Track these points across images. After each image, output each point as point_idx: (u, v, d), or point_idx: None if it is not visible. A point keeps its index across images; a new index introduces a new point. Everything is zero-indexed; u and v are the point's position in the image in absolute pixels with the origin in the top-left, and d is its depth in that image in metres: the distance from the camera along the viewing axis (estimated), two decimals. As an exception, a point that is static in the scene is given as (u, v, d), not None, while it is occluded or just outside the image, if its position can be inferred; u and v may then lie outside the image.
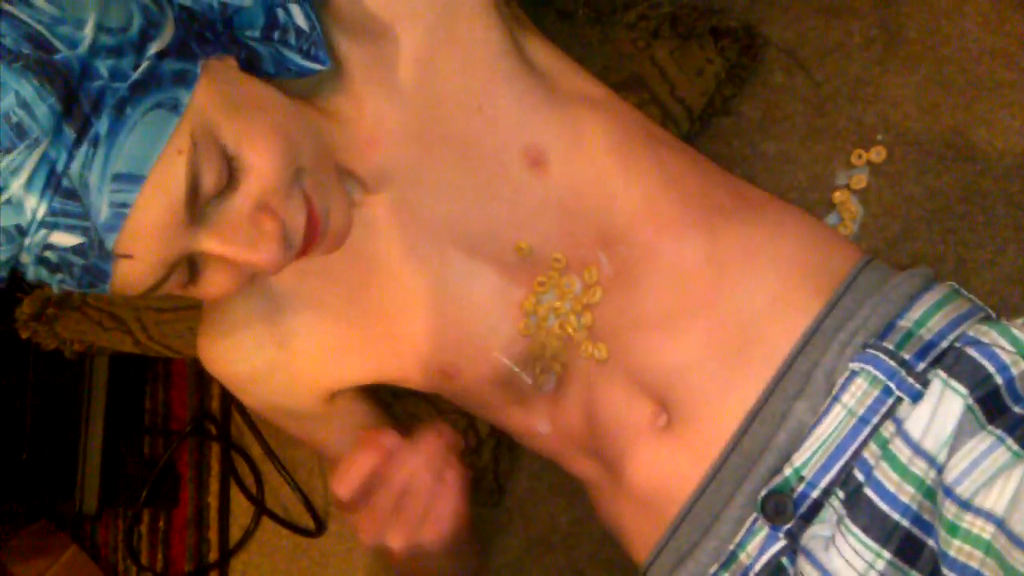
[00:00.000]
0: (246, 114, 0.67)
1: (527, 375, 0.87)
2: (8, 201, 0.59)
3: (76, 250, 0.61)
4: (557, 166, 0.83)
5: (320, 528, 1.30)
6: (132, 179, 0.60)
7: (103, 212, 0.60)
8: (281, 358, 0.88)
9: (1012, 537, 0.66)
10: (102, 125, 0.59)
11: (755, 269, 0.83)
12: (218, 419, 1.38)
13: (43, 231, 0.60)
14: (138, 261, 0.63)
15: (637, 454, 0.84)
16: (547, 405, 0.88)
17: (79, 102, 0.59)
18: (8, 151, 0.58)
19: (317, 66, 0.76)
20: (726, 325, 0.81)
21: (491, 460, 1.15)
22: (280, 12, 0.74)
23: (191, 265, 0.68)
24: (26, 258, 0.62)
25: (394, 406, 1.16)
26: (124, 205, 0.60)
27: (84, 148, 0.59)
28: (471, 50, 0.82)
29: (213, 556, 1.39)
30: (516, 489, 1.18)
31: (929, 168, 1.00)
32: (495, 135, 0.82)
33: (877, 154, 1.01)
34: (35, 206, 0.59)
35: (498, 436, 1.15)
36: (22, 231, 0.60)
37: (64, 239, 0.61)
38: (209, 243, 0.66)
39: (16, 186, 0.58)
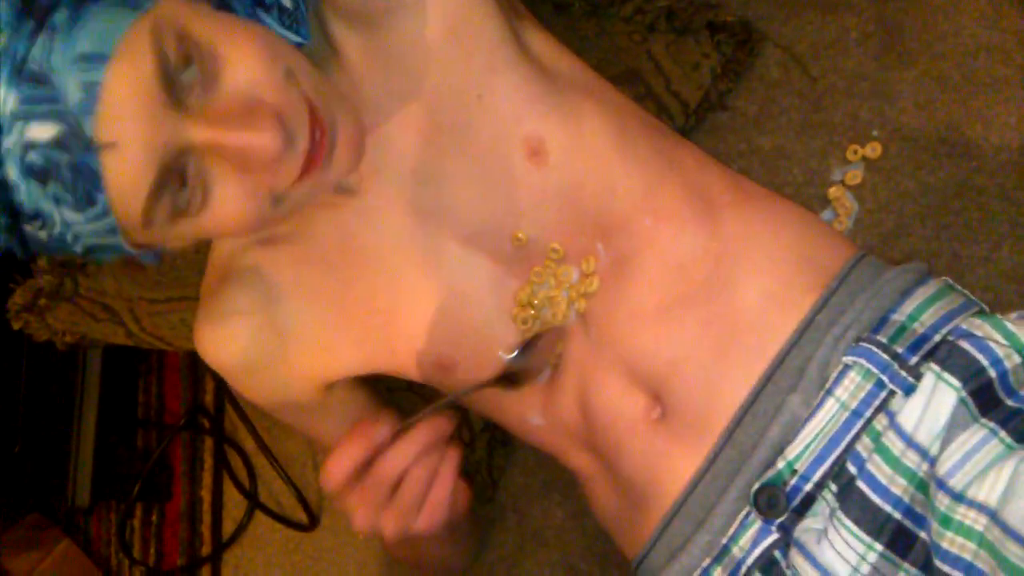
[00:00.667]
0: (220, 19, 0.66)
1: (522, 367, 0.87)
2: None
3: (57, 143, 0.59)
4: (556, 156, 0.83)
5: (313, 522, 1.30)
6: (97, 57, 0.59)
7: (74, 93, 0.59)
8: (278, 347, 0.88)
9: (1005, 529, 0.66)
10: (62, 13, 0.59)
11: (750, 262, 0.83)
12: (211, 413, 1.38)
13: (18, 124, 0.58)
14: (126, 150, 0.61)
15: (630, 447, 0.84)
16: (541, 397, 0.88)
17: None
18: None
19: (294, 37, 0.75)
20: (721, 317, 0.81)
21: (485, 455, 1.15)
22: None
23: (201, 181, 0.65)
24: (12, 171, 0.60)
25: (388, 400, 1.16)
26: (93, 84, 0.59)
27: (44, 35, 0.58)
28: (470, 39, 0.82)
29: (206, 550, 1.39)
30: (510, 484, 1.18)
31: (924, 164, 1.00)
32: (494, 125, 0.82)
33: (873, 150, 1.01)
34: (4, 97, 0.58)
35: (492, 431, 1.15)
36: None
37: (41, 130, 0.59)
38: (198, 130, 0.63)
39: None
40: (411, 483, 0.73)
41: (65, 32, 0.59)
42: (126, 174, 0.61)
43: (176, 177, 0.64)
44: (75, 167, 0.60)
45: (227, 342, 0.88)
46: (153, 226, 0.65)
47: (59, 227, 0.63)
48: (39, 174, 0.60)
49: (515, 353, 0.83)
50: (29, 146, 0.59)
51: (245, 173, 0.65)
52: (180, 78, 0.62)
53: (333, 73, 0.81)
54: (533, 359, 0.86)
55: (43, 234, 0.64)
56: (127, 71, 0.60)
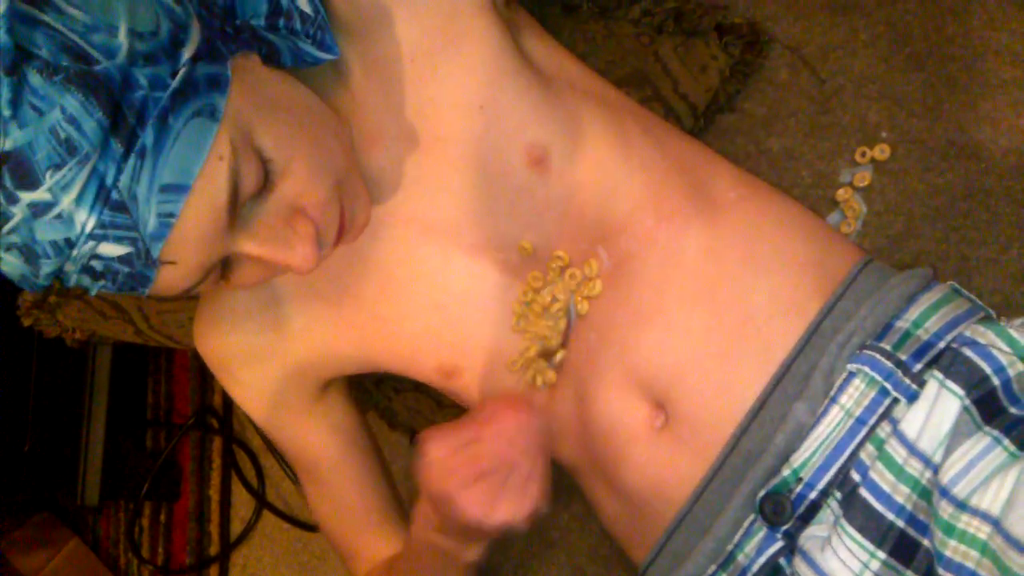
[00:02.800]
0: (279, 115, 0.68)
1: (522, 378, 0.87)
2: (59, 216, 0.59)
3: (122, 259, 0.62)
4: (558, 163, 0.83)
5: (321, 522, 1.30)
6: (178, 189, 0.60)
7: (151, 223, 0.61)
8: (277, 343, 0.88)
9: (1008, 537, 0.65)
10: (148, 137, 0.59)
11: (755, 264, 0.82)
12: (220, 413, 1.39)
13: (91, 243, 0.60)
14: (180, 266, 0.64)
15: (633, 455, 0.83)
16: (542, 403, 0.88)
17: (124, 114, 0.58)
18: (59, 167, 0.57)
19: (329, 56, 0.76)
20: (724, 321, 0.81)
21: (492, 456, 1.15)
22: None
23: (224, 264, 0.69)
24: (71, 267, 0.62)
25: (394, 400, 1.16)
26: (171, 215, 0.61)
27: (132, 161, 0.59)
28: (470, 50, 0.82)
29: (214, 549, 1.39)
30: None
31: (933, 166, 1.00)
32: (496, 134, 0.82)
33: (881, 152, 1.01)
34: (84, 220, 0.59)
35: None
36: (71, 244, 0.60)
37: (111, 250, 0.61)
38: (247, 245, 0.67)
39: (67, 201, 0.58)
40: (519, 462, 0.70)
41: (152, 159, 0.59)
42: (174, 279, 0.65)
43: (212, 271, 0.67)
44: (131, 275, 0.63)
45: (227, 335, 0.89)
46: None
47: (92, 294, 0.67)
48: (95, 275, 0.63)
49: None
50: (94, 257, 0.61)
51: (268, 265, 0.70)
52: (246, 199, 0.65)
53: (337, 89, 0.82)
54: (532, 373, 0.87)
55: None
56: (202, 203, 0.62)
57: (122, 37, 0.59)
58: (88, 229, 0.60)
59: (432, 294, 0.85)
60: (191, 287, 0.67)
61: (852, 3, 1.04)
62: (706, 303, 0.82)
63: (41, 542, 1.41)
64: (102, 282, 0.64)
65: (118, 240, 0.61)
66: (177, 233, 0.62)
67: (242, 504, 1.39)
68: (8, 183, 0.57)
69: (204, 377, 1.41)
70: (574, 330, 0.86)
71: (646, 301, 0.83)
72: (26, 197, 0.58)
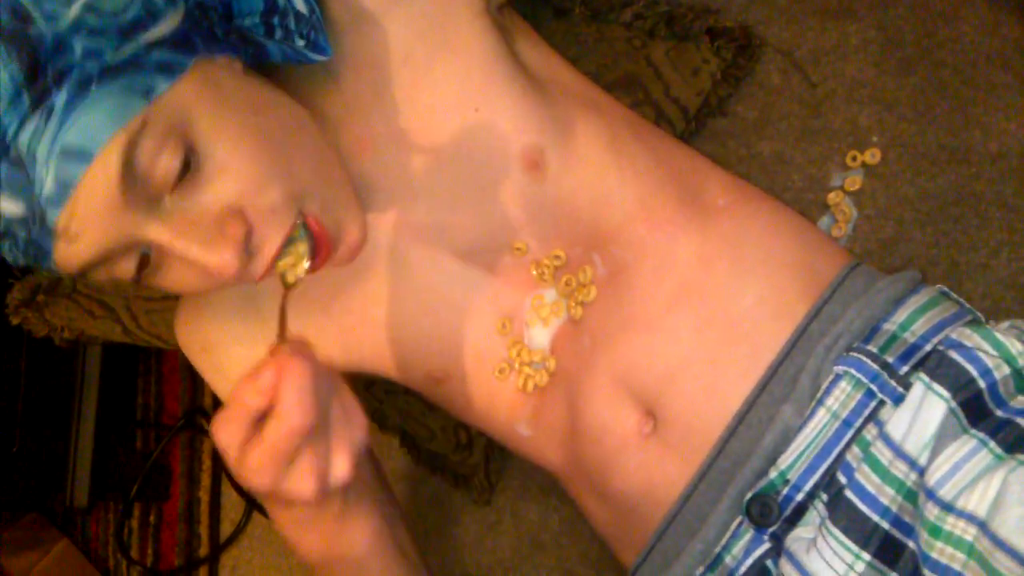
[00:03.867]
0: (235, 115, 0.65)
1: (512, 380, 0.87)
2: None
3: (20, 220, 0.60)
4: (554, 168, 0.83)
5: (310, 524, 1.30)
6: (80, 155, 0.58)
7: (47, 186, 0.59)
8: (261, 328, 0.87)
9: (994, 539, 0.65)
10: (60, 98, 0.58)
11: (744, 269, 0.83)
12: (210, 413, 1.38)
13: None
14: (79, 241, 0.61)
15: (622, 460, 0.83)
16: (530, 408, 0.88)
17: (45, 73, 0.57)
18: None
19: (320, 57, 0.75)
20: (713, 326, 0.81)
21: (482, 458, 1.15)
22: None
23: (145, 256, 0.65)
24: None
25: (385, 403, 1.16)
26: (69, 182, 0.59)
27: (36, 117, 0.58)
28: (465, 54, 0.82)
29: (203, 551, 1.39)
30: (507, 487, 1.18)
31: (923, 170, 1.00)
32: (491, 138, 0.82)
33: (872, 156, 1.01)
34: None
35: (486, 434, 1.15)
36: None
37: (8, 206, 0.59)
38: (158, 232, 0.63)
39: None
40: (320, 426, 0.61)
41: (58, 119, 0.58)
42: (73, 256, 0.62)
43: (124, 256, 0.64)
44: (30, 241, 0.61)
45: (207, 320, 0.88)
46: (95, 281, 0.66)
47: (10, 259, 0.64)
48: None
49: None
50: None
51: (199, 270, 0.65)
52: (159, 183, 0.62)
53: (328, 91, 0.81)
54: (523, 378, 0.86)
55: None
56: (102, 173, 0.59)
57: (74, 9, 0.59)
58: None
59: (422, 299, 0.85)
60: (91, 266, 0.63)
61: (844, 8, 1.04)
62: (696, 308, 0.82)
63: (30, 543, 1.41)
64: (6, 242, 0.61)
65: (14, 197, 0.59)
66: (75, 204, 0.59)
67: (232, 505, 1.38)
68: None
69: (194, 378, 1.41)
70: (566, 335, 0.85)
71: (637, 307, 0.83)
72: None
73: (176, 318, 0.91)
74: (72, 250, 0.62)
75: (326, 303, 0.86)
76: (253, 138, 0.65)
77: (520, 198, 0.83)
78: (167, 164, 0.61)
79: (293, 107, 0.72)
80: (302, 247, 0.70)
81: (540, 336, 0.86)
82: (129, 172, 0.60)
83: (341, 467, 0.63)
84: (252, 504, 1.34)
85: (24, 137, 0.58)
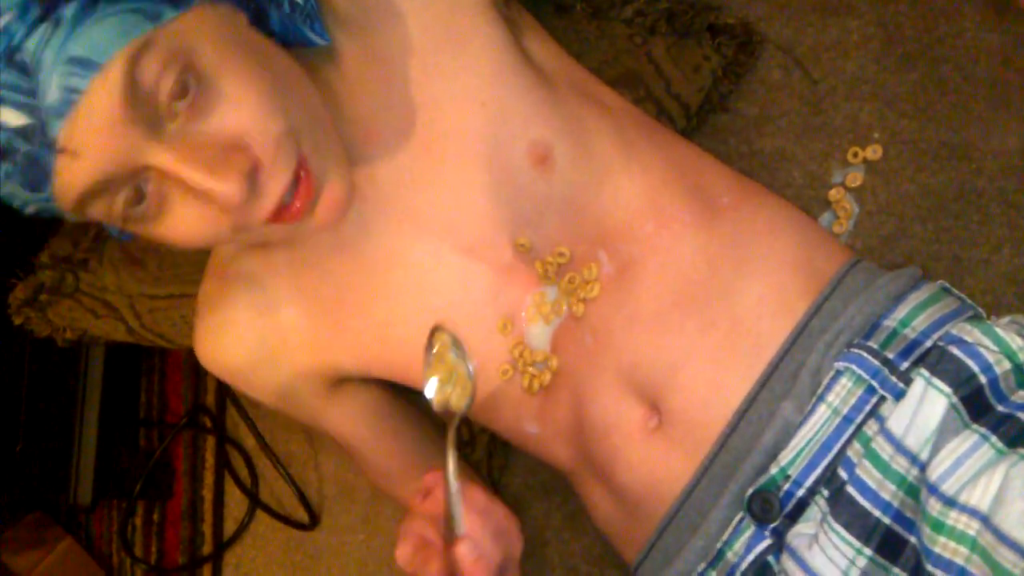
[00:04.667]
0: (240, 53, 0.66)
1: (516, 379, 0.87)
2: None
3: (21, 132, 0.59)
4: (561, 163, 0.83)
5: (314, 521, 1.30)
6: (87, 64, 0.58)
7: (52, 94, 0.58)
8: (280, 347, 0.88)
9: (997, 533, 0.66)
10: (69, 10, 0.58)
11: (746, 266, 0.83)
12: (213, 412, 1.38)
13: None
14: (81, 159, 0.61)
15: (627, 456, 0.84)
16: (536, 405, 0.88)
17: None
18: None
19: (319, 39, 0.75)
20: (716, 322, 0.81)
21: (484, 456, 1.15)
22: None
23: (158, 194, 0.65)
24: None
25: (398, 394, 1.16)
26: (74, 91, 0.59)
27: (44, 26, 0.58)
28: (473, 47, 0.82)
29: (207, 549, 1.39)
30: (510, 484, 1.18)
31: (924, 166, 1.00)
32: (499, 131, 0.82)
33: (873, 152, 1.01)
34: None
35: (492, 433, 1.15)
36: None
37: (11, 117, 0.59)
38: (161, 156, 0.63)
39: None
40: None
41: (66, 29, 0.58)
42: (73, 177, 0.62)
43: (125, 186, 0.64)
44: (31, 158, 0.60)
45: (229, 349, 0.88)
46: (92, 218, 0.66)
47: (4, 192, 0.63)
48: None
49: None
50: None
51: (205, 205, 0.66)
52: (163, 102, 0.62)
53: (333, 81, 0.81)
54: (528, 377, 0.87)
55: None
56: (108, 86, 0.59)
57: None
58: None
59: (425, 297, 0.85)
60: (93, 191, 0.63)
61: (844, 4, 1.05)
62: (699, 305, 0.82)
63: (34, 541, 1.41)
64: (5, 163, 0.61)
65: (18, 107, 0.59)
66: (80, 116, 0.59)
67: (235, 503, 1.38)
68: None
69: (197, 376, 1.40)
70: (569, 333, 0.86)
71: (642, 304, 0.83)
72: None
73: (197, 350, 0.90)
74: (73, 168, 0.61)
75: (333, 307, 0.86)
76: (256, 75, 0.66)
77: (526, 193, 0.83)
78: (169, 85, 0.61)
79: (292, 63, 0.72)
80: (461, 369, 0.74)
81: (541, 334, 0.86)
82: (132, 87, 0.60)
83: None
84: (255, 502, 1.34)
85: (31, 44, 0.58)
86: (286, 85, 0.69)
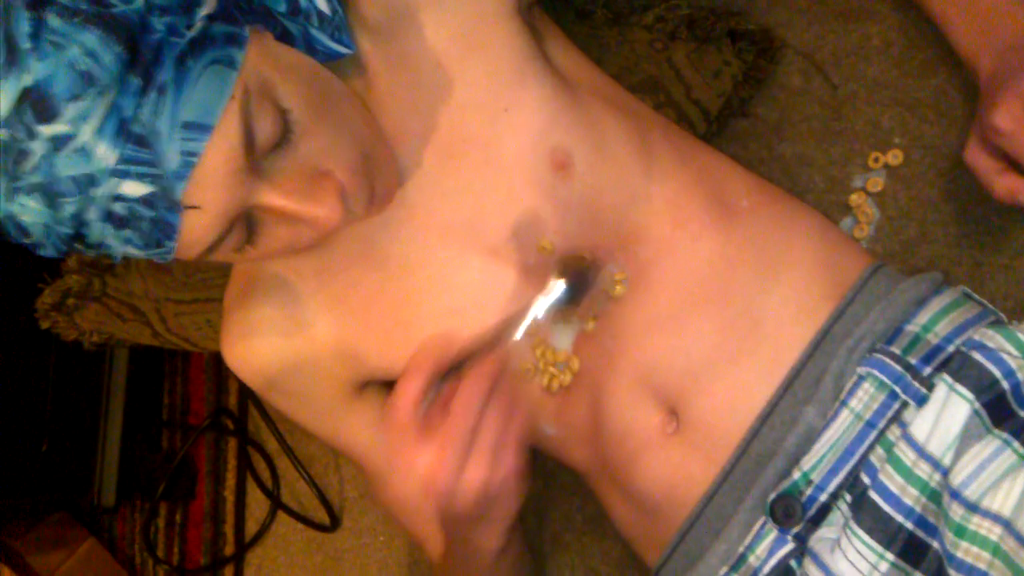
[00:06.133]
0: (299, 78, 0.68)
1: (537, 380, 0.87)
2: (80, 149, 0.59)
3: (145, 200, 0.61)
4: (581, 168, 0.83)
5: (335, 523, 1.31)
6: (201, 128, 0.61)
7: (173, 160, 0.61)
8: (305, 349, 0.88)
9: (1020, 538, 0.66)
10: (166, 75, 0.60)
11: (767, 269, 0.83)
12: (235, 414, 1.40)
13: (113, 180, 0.60)
14: (203, 213, 0.64)
15: (645, 460, 0.84)
16: (554, 407, 0.89)
17: (141, 52, 0.59)
18: (78, 98, 0.58)
19: (344, 49, 0.77)
20: (737, 326, 0.81)
21: (505, 458, 1.16)
22: None
23: (249, 223, 0.69)
24: (93, 213, 0.61)
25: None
26: (193, 154, 0.61)
27: (153, 95, 0.59)
28: (496, 54, 0.82)
29: (229, 550, 1.40)
30: (530, 487, 1.18)
31: (946, 171, 1.00)
32: (521, 137, 0.82)
33: (894, 157, 1.01)
34: (105, 153, 0.59)
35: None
36: (92, 180, 0.60)
37: (134, 188, 0.61)
38: (269, 196, 0.66)
39: (87, 133, 0.58)
40: (489, 421, 0.70)
41: (173, 96, 0.60)
42: (198, 229, 0.64)
43: (238, 226, 0.67)
44: (155, 221, 0.62)
45: (255, 351, 0.89)
46: (204, 259, 0.69)
47: (117, 254, 0.66)
48: (118, 221, 0.62)
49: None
50: (117, 198, 0.61)
51: (295, 226, 0.69)
52: (265, 143, 0.65)
53: (360, 88, 0.82)
54: (548, 377, 0.87)
55: (92, 252, 0.66)
56: (222, 144, 0.62)
57: None
58: (110, 163, 0.59)
59: (450, 298, 0.85)
60: (216, 239, 0.66)
61: (865, 9, 1.04)
62: (719, 308, 0.82)
63: (57, 542, 1.42)
64: (126, 232, 0.63)
65: (140, 178, 0.60)
66: (199, 174, 0.62)
67: (257, 505, 1.39)
68: (29, 118, 0.58)
69: (220, 378, 1.42)
70: (589, 335, 0.86)
71: (661, 307, 0.83)
72: (46, 131, 0.58)
73: (225, 354, 0.92)
74: (197, 222, 0.64)
75: (359, 309, 0.87)
76: (322, 102, 0.69)
77: (548, 198, 0.83)
78: (271, 127, 0.65)
79: (331, 74, 0.74)
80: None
81: (564, 334, 0.86)
82: (245, 138, 0.63)
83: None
84: (277, 504, 1.35)
85: (145, 115, 0.59)
86: (341, 103, 0.72)
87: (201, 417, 1.42)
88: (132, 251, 0.65)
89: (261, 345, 0.89)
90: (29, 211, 0.61)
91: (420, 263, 0.85)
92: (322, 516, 1.31)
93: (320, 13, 0.76)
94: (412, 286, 0.85)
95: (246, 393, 1.38)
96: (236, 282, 0.93)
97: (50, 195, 0.60)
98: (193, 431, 1.40)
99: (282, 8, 0.75)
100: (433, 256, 0.85)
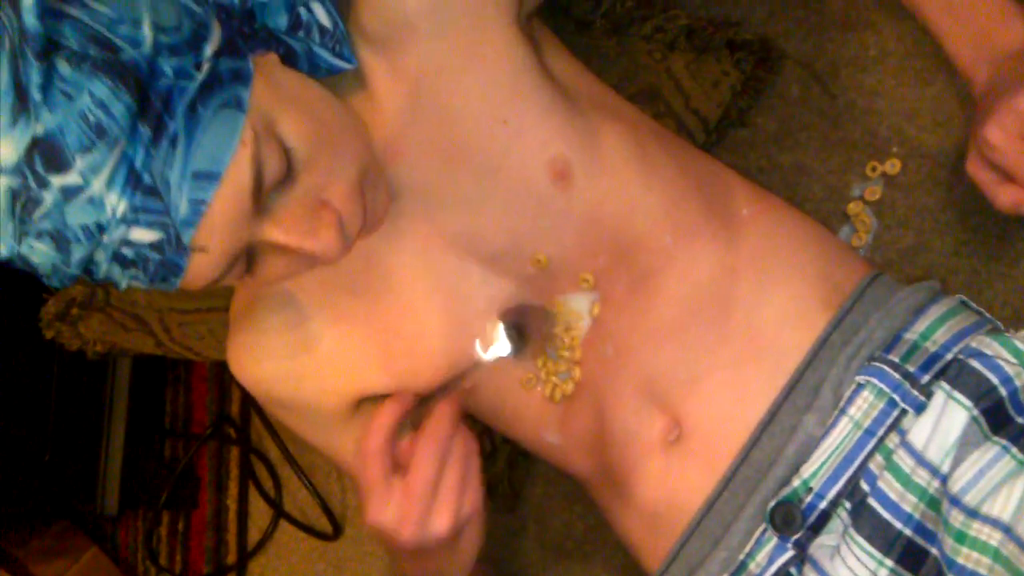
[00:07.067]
0: (300, 109, 0.69)
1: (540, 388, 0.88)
2: (90, 199, 0.59)
3: (153, 246, 0.62)
4: (580, 178, 0.83)
5: (337, 532, 1.31)
6: (210, 176, 0.61)
7: (183, 209, 0.61)
8: (310, 363, 0.89)
9: (1020, 543, 0.66)
10: (178, 124, 0.60)
11: (767, 278, 0.83)
12: (238, 423, 1.40)
13: (122, 228, 0.61)
14: (210, 253, 0.64)
15: (647, 467, 0.84)
16: (557, 415, 0.89)
17: (151, 100, 0.60)
18: (89, 150, 0.58)
19: (346, 64, 0.77)
20: (737, 334, 0.82)
21: (506, 466, 1.16)
22: (303, 11, 0.75)
23: (249, 256, 0.69)
24: (101, 255, 0.62)
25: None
26: (202, 202, 0.62)
27: (164, 146, 0.60)
28: (495, 65, 0.82)
29: (231, 558, 1.40)
30: (531, 495, 1.19)
31: (943, 180, 1.00)
32: (520, 148, 0.82)
33: (892, 166, 1.02)
34: (115, 203, 0.60)
35: (513, 443, 1.16)
36: (102, 228, 0.60)
37: (143, 236, 0.62)
38: (272, 232, 0.67)
39: (97, 184, 0.59)
40: (453, 464, 0.74)
41: (184, 146, 0.61)
42: (203, 268, 0.65)
43: (240, 260, 0.68)
44: (162, 263, 0.63)
45: (261, 363, 0.89)
46: (215, 289, 0.71)
47: (123, 287, 0.67)
48: (125, 262, 0.63)
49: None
50: (125, 243, 0.62)
51: (293, 257, 0.70)
52: (271, 183, 0.66)
53: (361, 100, 0.83)
54: (551, 386, 0.88)
55: (98, 282, 0.69)
56: (230, 190, 0.63)
57: (146, 30, 0.60)
58: (119, 213, 0.60)
59: (450, 309, 0.86)
60: (220, 276, 0.67)
61: (863, 20, 1.05)
62: (719, 317, 0.83)
63: (60, 551, 1.42)
64: (132, 271, 0.64)
65: (149, 225, 0.61)
66: (207, 219, 0.63)
67: (259, 513, 1.40)
68: (39, 167, 0.58)
69: (222, 387, 1.42)
70: (590, 343, 0.86)
71: (663, 316, 0.84)
72: (57, 181, 0.59)
73: (231, 363, 0.92)
74: (205, 261, 0.65)
75: (360, 321, 0.87)
76: (323, 132, 0.70)
77: (545, 208, 0.83)
78: (277, 167, 0.65)
79: (331, 96, 0.75)
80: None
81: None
82: (257, 182, 0.64)
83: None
84: (279, 512, 1.36)
85: (156, 166, 0.60)
86: (340, 129, 0.73)
87: (204, 426, 1.42)
88: (137, 284, 0.66)
89: (266, 360, 0.89)
90: (39, 253, 0.62)
91: (420, 273, 0.85)
92: (324, 524, 1.32)
93: (321, 27, 0.76)
94: (413, 296, 0.86)
95: (249, 402, 1.38)
96: (242, 295, 0.93)
97: (60, 241, 0.61)
98: (196, 440, 1.40)
99: (283, 25, 0.75)
100: (434, 266, 0.85)
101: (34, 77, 0.57)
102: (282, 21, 0.75)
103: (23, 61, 0.57)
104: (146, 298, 1.18)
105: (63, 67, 0.58)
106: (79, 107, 0.58)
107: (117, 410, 1.37)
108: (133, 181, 0.60)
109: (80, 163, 0.58)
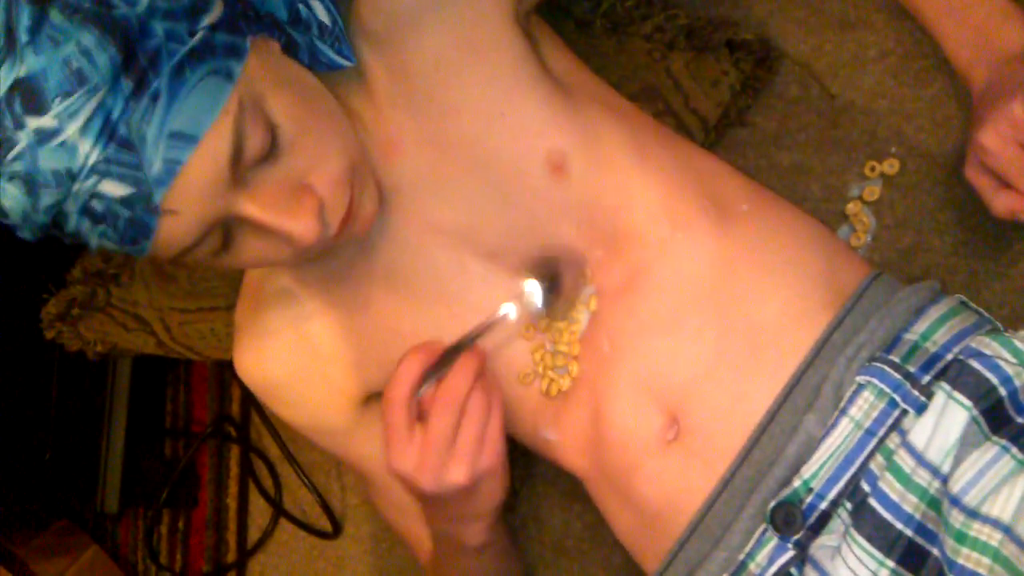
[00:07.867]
0: (293, 91, 0.69)
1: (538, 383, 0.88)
2: (62, 144, 0.60)
3: (124, 201, 0.63)
4: (577, 171, 0.84)
5: (337, 530, 1.31)
6: (188, 138, 0.62)
7: (156, 166, 0.62)
8: (314, 363, 0.89)
9: (1020, 543, 0.66)
10: (161, 82, 0.61)
11: (766, 276, 0.83)
12: (238, 421, 1.40)
13: (93, 178, 0.61)
14: (180, 218, 0.65)
15: (645, 467, 0.84)
16: (554, 411, 0.89)
17: (137, 56, 0.60)
18: (68, 94, 0.59)
19: (345, 62, 0.78)
20: (736, 332, 0.82)
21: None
22: (302, 8, 0.76)
23: (226, 232, 0.69)
24: (71, 205, 0.63)
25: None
26: (177, 162, 0.62)
27: (144, 102, 0.61)
28: (493, 59, 0.83)
29: (231, 557, 1.40)
30: (530, 494, 1.19)
31: (942, 180, 1.00)
32: (517, 142, 0.83)
33: (890, 166, 1.02)
34: (88, 151, 0.60)
35: (512, 441, 1.16)
36: (72, 175, 0.61)
37: (113, 188, 0.62)
38: (248, 207, 0.67)
39: (72, 129, 0.60)
40: (470, 419, 0.76)
41: (165, 104, 0.61)
42: (174, 233, 0.65)
43: (214, 232, 0.68)
44: (132, 221, 0.63)
45: (266, 362, 0.90)
46: (178, 261, 0.70)
47: (93, 246, 0.67)
48: (95, 217, 0.63)
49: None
50: (95, 196, 0.62)
51: (270, 239, 0.70)
52: (251, 157, 0.66)
53: (360, 97, 0.83)
54: (547, 381, 0.88)
55: (68, 240, 0.68)
56: (207, 155, 0.63)
57: None
58: (91, 161, 0.61)
59: (450, 304, 0.86)
60: (192, 244, 0.67)
61: (862, 19, 1.05)
62: (718, 314, 0.83)
63: (61, 549, 1.42)
64: (102, 227, 0.64)
65: (121, 179, 0.62)
66: (181, 182, 0.63)
67: (259, 512, 1.40)
68: (17, 108, 0.59)
69: (222, 386, 1.42)
70: (589, 339, 0.87)
71: (659, 311, 0.84)
72: (33, 123, 0.59)
73: (235, 361, 0.93)
74: (174, 226, 0.65)
75: (361, 318, 0.87)
76: (314, 117, 0.70)
77: (542, 200, 0.84)
78: (260, 141, 0.66)
79: (326, 90, 0.76)
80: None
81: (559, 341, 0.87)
82: (237, 151, 0.64)
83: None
84: (279, 511, 1.36)
85: (134, 120, 0.61)
86: (332, 118, 0.73)
87: (204, 425, 1.43)
88: (107, 244, 0.66)
89: (271, 356, 0.90)
90: (9, 196, 0.62)
91: (420, 268, 0.86)
92: (324, 523, 1.32)
93: (320, 23, 0.77)
94: (412, 292, 0.86)
95: (249, 400, 1.38)
96: (245, 298, 0.94)
97: (30, 184, 0.61)
98: (196, 439, 1.41)
99: (284, 17, 0.76)
100: (432, 260, 0.85)
101: (24, 20, 0.58)
102: (282, 13, 0.76)
103: (17, 5, 0.59)
104: (147, 297, 1.18)
105: (55, 15, 0.59)
106: (64, 53, 0.59)
107: (117, 409, 1.37)
108: (108, 131, 0.60)
109: (57, 107, 0.59)
